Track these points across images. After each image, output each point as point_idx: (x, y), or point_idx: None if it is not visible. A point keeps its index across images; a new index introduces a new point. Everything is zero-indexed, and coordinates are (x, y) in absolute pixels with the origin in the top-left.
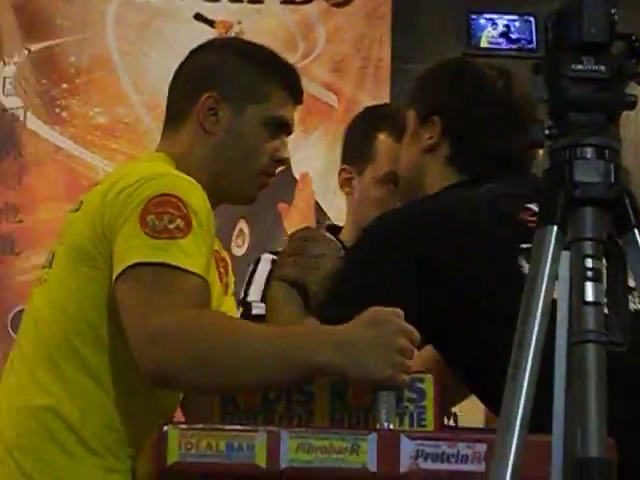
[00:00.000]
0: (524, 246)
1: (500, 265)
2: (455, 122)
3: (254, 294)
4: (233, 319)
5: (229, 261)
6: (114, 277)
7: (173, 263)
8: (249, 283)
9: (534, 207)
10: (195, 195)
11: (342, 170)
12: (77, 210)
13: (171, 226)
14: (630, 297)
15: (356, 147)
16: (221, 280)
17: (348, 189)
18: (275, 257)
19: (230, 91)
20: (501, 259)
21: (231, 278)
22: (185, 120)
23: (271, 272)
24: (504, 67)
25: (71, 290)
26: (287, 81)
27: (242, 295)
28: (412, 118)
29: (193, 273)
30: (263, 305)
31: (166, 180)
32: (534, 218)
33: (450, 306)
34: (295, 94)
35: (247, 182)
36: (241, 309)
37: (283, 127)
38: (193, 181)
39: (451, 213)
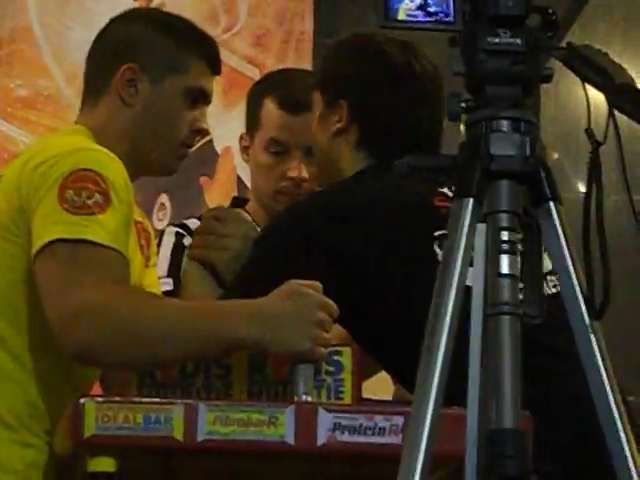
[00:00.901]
0: (438, 233)
1: (414, 253)
2: (361, 104)
3: (160, 270)
4: (153, 296)
5: (152, 232)
6: (33, 253)
7: (92, 239)
8: None
9: (447, 192)
10: (113, 169)
11: (240, 138)
12: None
13: (90, 201)
14: (545, 283)
15: (249, 114)
16: (142, 252)
17: (246, 157)
18: (179, 229)
19: (149, 63)
20: (414, 246)
21: (153, 249)
22: (104, 92)
23: (175, 245)
24: (408, 41)
25: None
26: (206, 52)
27: None
28: (319, 101)
29: (112, 249)
30: (170, 280)
31: (84, 154)
32: (447, 203)
33: (366, 296)
34: (214, 65)
35: (167, 153)
36: None
37: (202, 97)
38: (111, 154)
39: (358, 205)
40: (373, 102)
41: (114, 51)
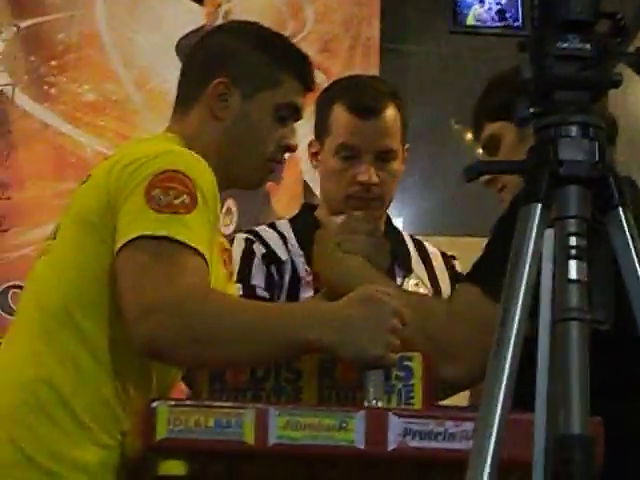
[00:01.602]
0: None
1: None
2: None
3: None
4: (226, 294)
5: (230, 250)
6: (116, 249)
7: (176, 237)
8: None
9: None
10: (202, 172)
11: (309, 144)
12: (84, 182)
13: (176, 201)
14: None
15: (318, 120)
16: (226, 267)
17: (315, 163)
18: (249, 236)
19: (241, 77)
20: None
21: (234, 267)
22: (195, 104)
23: (245, 251)
24: None
25: (74, 261)
26: (299, 69)
27: None
28: (507, 127)
29: (195, 249)
30: (239, 286)
31: (174, 156)
32: None
33: None
34: (306, 82)
35: (255, 168)
36: None
37: (292, 114)
38: (201, 159)
39: None
40: None
41: (207, 64)
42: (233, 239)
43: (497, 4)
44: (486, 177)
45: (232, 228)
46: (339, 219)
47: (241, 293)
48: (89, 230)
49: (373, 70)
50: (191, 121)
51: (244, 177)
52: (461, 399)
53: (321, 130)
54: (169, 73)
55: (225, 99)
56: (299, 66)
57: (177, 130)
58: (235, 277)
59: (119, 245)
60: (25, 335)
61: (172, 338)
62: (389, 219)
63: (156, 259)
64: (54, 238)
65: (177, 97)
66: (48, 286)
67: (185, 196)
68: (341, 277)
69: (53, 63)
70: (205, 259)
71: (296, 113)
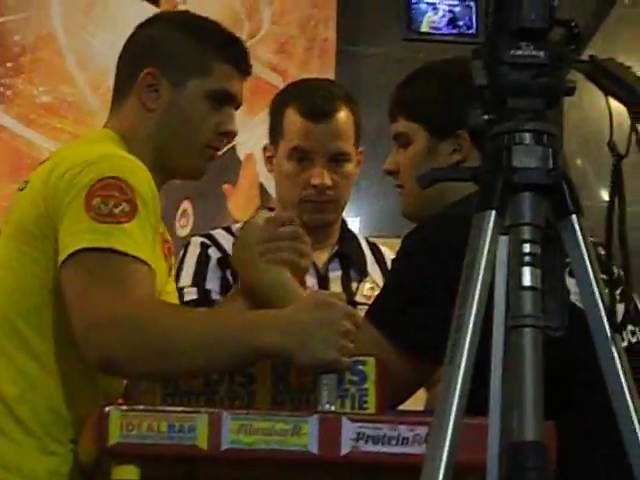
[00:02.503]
0: None
1: None
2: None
3: (185, 279)
4: (178, 306)
5: (172, 243)
6: (60, 261)
7: (119, 249)
8: (179, 269)
9: None
10: (141, 177)
11: (264, 149)
12: (22, 189)
13: (116, 210)
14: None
15: (271, 124)
16: (166, 260)
17: (270, 166)
18: (205, 240)
19: (170, 66)
20: None
21: (173, 260)
22: (127, 97)
23: (200, 255)
24: None
25: (14, 270)
26: (231, 54)
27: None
28: (420, 131)
29: (139, 259)
30: (194, 289)
31: (111, 162)
32: None
33: None
34: (241, 66)
35: (193, 156)
36: None
37: (228, 100)
38: (138, 162)
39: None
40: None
41: (136, 56)
42: (188, 242)
43: (450, 12)
44: (390, 167)
45: (188, 230)
46: (260, 219)
47: (196, 297)
48: (27, 239)
49: (329, 72)
50: (125, 115)
51: (184, 166)
52: (418, 402)
53: (275, 134)
54: None
55: (155, 89)
56: (231, 51)
57: (114, 125)
58: (190, 280)
59: (62, 258)
60: None
61: (125, 353)
62: (344, 222)
63: (101, 272)
64: None
65: (113, 91)
66: None
67: (124, 204)
68: (266, 289)
69: (8, 65)
70: (150, 266)
71: (231, 99)
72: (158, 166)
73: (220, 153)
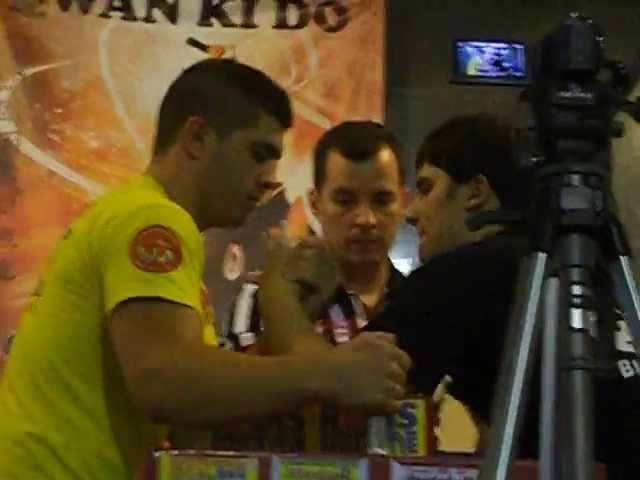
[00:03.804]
0: None
1: None
2: (501, 179)
3: (240, 325)
4: (226, 352)
5: (206, 292)
6: (107, 312)
7: (166, 297)
8: (233, 315)
9: None
10: (184, 225)
11: (309, 193)
12: (65, 238)
13: (161, 259)
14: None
15: (315, 168)
16: (203, 307)
17: (315, 210)
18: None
19: (216, 116)
20: None
21: (210, 309)
22: (171, 144)
23: (255, 304)
24: (518, 125)
25: (60, 318)
26: (276, 106)
27: (228, 327)
28: (443, 176)
29: (185, 305)
30: (250, 335)
31: (154, 211)
32: None
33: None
34: (284, 119)
35: (233, 206)
36: (228, 342)
37: (270, 152)
38: (181, 210)
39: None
40: (510, 176)
41: (182, 103)
42: (240, 290)
43: (497, 54)
44: (411, 215)
45: (237, 274)
46: (291, 241)
47: (253, 343)
48: (72, 287)
49: (377, 114)
50: (168, 162)
51: (224, 215)
52: (469, 444)
53: (318, 177)
54: None
55: (200, 138)
56: (276, 103)
57: (156, 172)
58: (246, 326)
59: (109, 308)
60: (16, 394)
61: (176, 403)
62: (391, 263)
63: (149, 321)
64: (39, 294)
65: (155, 138)
66: (35, 345)
67: (168, 252)
68: (263, 302)
69: (57, 110)
70: (197, 311)
71: (274, 152)
72: (199, 214)
73: (269, 197)
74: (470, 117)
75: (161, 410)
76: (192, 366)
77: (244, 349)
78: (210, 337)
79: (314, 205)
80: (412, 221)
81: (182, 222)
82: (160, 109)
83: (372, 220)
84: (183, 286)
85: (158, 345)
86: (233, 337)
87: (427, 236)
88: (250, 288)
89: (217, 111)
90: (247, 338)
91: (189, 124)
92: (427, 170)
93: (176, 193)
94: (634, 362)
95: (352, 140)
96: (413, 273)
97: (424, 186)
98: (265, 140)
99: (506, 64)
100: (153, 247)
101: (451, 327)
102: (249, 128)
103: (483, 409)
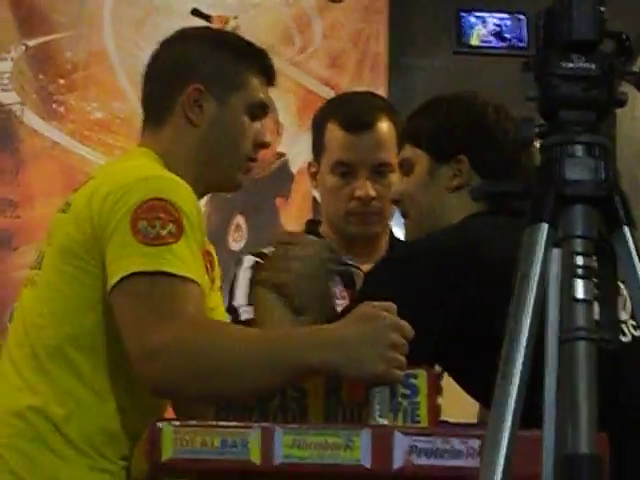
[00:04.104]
0: None
1: None
2: (482, 159)
3: (240, 298)
4: (228, 326)
5: (215, 255)
6: (109, 287)
7: (168, 271)
8: (233, 287)
9: None
10: (185, 196)
11: (309, 165)
12: (64, 211)
13: (163, 232)
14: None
15: (314, 140)
16: (207, 274)
17: (315, 183)
18: (257, 259)
19: (212, 82)
20: None
21: (217, 272)
22: (168, 115)
23: (254, 275)
24: (497, 102)
25: (61, 292)
26: (261, 65)
27: (228, 300)
28: (424, 157)
29: (188, 279)
30: (250, 308)
31: (154, 183)
32: None
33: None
34: (269, 76)
35: (233, 169)
36: (228, 315)
37: (264, 109)
38: (180, 181)
39: (478, 247)
40: (492, 156)
41: (175, 73)
42: (241, 260)
43: (499, 25)
44: (394, 196)
45: (242, 244)
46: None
47: (252, 317)
48: (75, 262)
49: (381, 85)
50: (166, 133)
51: (226, 179)
52: (469, 416)
53: (317, 150)
54: None
55: (200, 105)
56: (261, 61)
57: (152, 144)
58: (245, 299)
59: (112, 283)
60: (17, 367)
61: (179, 379)
62: (392, 233)
63: (151, 297)
64: (39, 267)
65: (146, 109)
66: (35, 319)
67: (171, 225)
68: (256, 315)
69: (61, 81)
70: (199, 284)
71: (265, 109)
72: (198, 180)
73: (273, 167)
74: (450, 96)
75: (163, 385)
76: (193, 341)
77: (244, 323)
78: (217, 302)
79: (313, 177)
80: (396, 202)
81: (182, 193)
82: (147, 83)
83: (371, 192)
84: (185, 259)
85: (160, 322)
86: (233, 310)
87: (411, 220)
88: (249, 259)
89: (212, 78)
90: (247, 311)
91: (190, 91)
92: (408, 151)
93: (175, 164)
94: (630, 326)
95: (350, 112)
96: (387, 259)
97: (406, 167)
98: (258, 99)
99: (509, 35)
100: (155, 220)
101: (434, 309)
102: (242, 90)
103: (476, 391)
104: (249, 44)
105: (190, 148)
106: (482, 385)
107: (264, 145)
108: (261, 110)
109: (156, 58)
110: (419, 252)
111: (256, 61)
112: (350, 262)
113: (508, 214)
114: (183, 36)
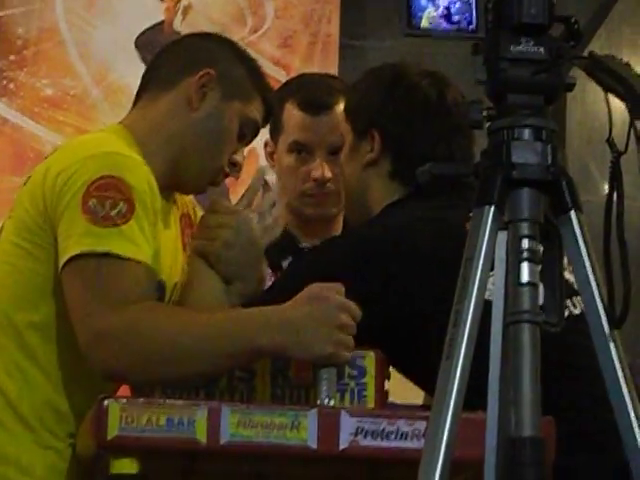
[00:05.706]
0: None
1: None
2: (394, 135)
3: None
4: (175, 310)
5: (191, 216)
6: (59, 266)
7: (116, 252)
8: None
9: None
10: (137, 173)
11: (265, 145)
12: (25, 185)
13: (113, 212)
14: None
15: (271, 120)
16: (185, 249)
17: (271, 162)
18: None
19: (225, 78)
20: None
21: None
22: (168, 91)
23: None
24: (438, 73)
25: (14, 266)
26: (267, 94)
27: None
28: (348, 131)
29: (137, 261)
30: None
31: (107, 160)
32: None
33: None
34: (268, 114)
35: (206, 172)
36: None
37: (251, 132)
38: (134, 157)
39: (399, 243)
40: (405, 132)
41: (194, 57)
42: None
43: (449, 8)
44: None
45: None
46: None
47: None
48: (29, 236)
49: (332, 66)
50: (156, 109)
51: (195, 178)
52: (416, 398)
53: (275, 129)
54: (127, 68)
55: (205, 92)
56: (268, 92)
57: (134, 119)
58: None
59: (62, 262)
60: None
61: (126, 364)
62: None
63: (99, 279)
64: None
65: (145, 84)
66: None
67: (122, 204)
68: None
69: (11, 58)
70: (149, 266)
71: (252, 135)
72: (168, 171)
73: None
74: (378, 68)
75: (111, 371)
76: (140, 326)
77: None
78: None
79: (270, 156)
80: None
81: (134, 170)
82: (162, 55)
83: (327, 174)
84: (135, 239)
85: (107, 306)
86: None
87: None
88: None
89: (227, 76)
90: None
91: (202, 74)
92: (343, 125)
93: (152, 144)
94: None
95: (309, 93)
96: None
97: (342, 143)
98: (255, 119)
99: (458, 17)
100: (105, 200)
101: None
102: (246, 103)
103: (418, 378)
104: (262, 71)
105: (176, 131)
106: (421, 371)
107: (235, 164)
108: (250, 131)
109: (178, 41)
110: (347, 245)
111: (264, 88)
112: (303, 244)
113: (433, 199)
114: (210, 35)
